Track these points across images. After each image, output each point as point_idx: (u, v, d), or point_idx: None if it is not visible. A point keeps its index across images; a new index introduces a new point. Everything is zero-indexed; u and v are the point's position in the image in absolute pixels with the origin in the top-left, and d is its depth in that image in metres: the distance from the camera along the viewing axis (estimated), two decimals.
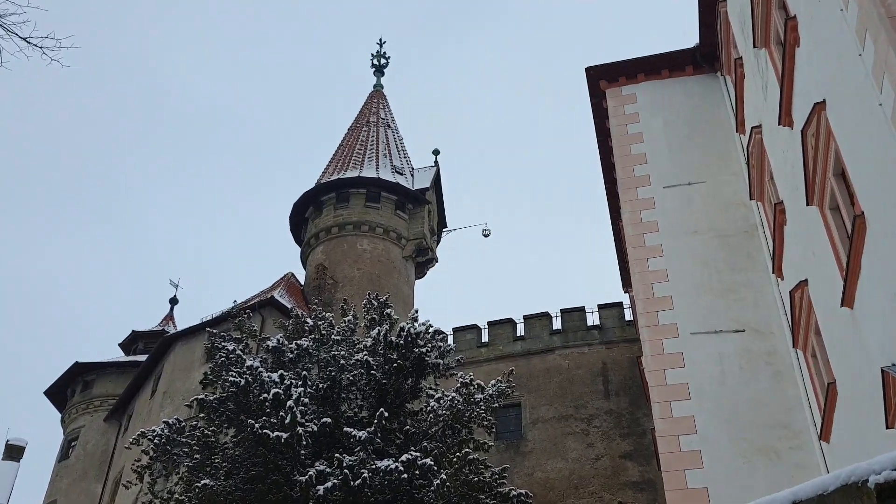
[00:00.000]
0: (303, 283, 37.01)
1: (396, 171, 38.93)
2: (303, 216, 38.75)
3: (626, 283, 24.07)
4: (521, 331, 31.52)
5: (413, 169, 40.69)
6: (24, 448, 18.12)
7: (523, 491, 18.31)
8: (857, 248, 9.35)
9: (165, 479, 18.13)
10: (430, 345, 18.28)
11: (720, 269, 16.42)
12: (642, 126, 19.27)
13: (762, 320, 15.51)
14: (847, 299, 10.05)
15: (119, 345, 41.47)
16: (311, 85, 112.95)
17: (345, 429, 16.58)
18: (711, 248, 16.75)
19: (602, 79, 20.50)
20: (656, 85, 19.88)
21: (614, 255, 25.02)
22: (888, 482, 2.38)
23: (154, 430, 17.77)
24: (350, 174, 38.06)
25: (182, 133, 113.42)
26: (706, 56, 19.18)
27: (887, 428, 8.76)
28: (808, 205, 11.26)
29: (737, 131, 17.37)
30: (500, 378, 19.49)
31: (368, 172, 38.14)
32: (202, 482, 15.87)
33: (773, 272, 15.27)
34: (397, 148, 41.69)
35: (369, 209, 37.13)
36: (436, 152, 41.80)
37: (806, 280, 12.48)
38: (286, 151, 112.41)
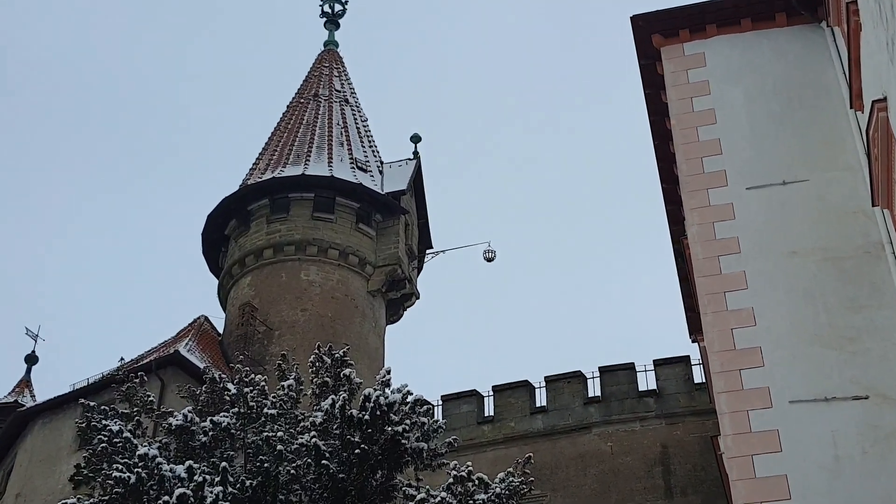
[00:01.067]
0: (221, 330, 36.93)
1: (359, 167, 39.05)
2: (221, 233, 38.74)
3: (695, 329, 24.08)
4: (541, 399, 31.53)
5: (383, 164, 40.83)
6: None
7: None
8: None
9: None
10: (408, 421, 18.19)
11: (831, 307, 16.47)
12: (714, 100, 19.40)
13: (894, 382, 15.55)
14: None
15: None
16: (230, 39, 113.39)
17: None
18: (817, 276, 16.81)
19: (655, 32, 20.66)
20: (734, 41, 20.07)
21: (676, 289, 25.07)
22: None
23: None
24: (290, 172, 38.14)
25: (32, 108, 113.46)
26: None
27: None
28: None
29: (851, 107, 17.50)
30: (511, 469, 19.41)
31: (317, 169, 38.24)
32: None
33: None
34: (360, 133, 41.84)
35: (319, 222, 37.20)
36: (416, 139, 41.98)
37: None
38: (195, 138, 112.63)
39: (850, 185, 17.55)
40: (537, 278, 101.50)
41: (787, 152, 18.33)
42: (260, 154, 41.20)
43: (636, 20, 20.84)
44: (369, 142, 41.86)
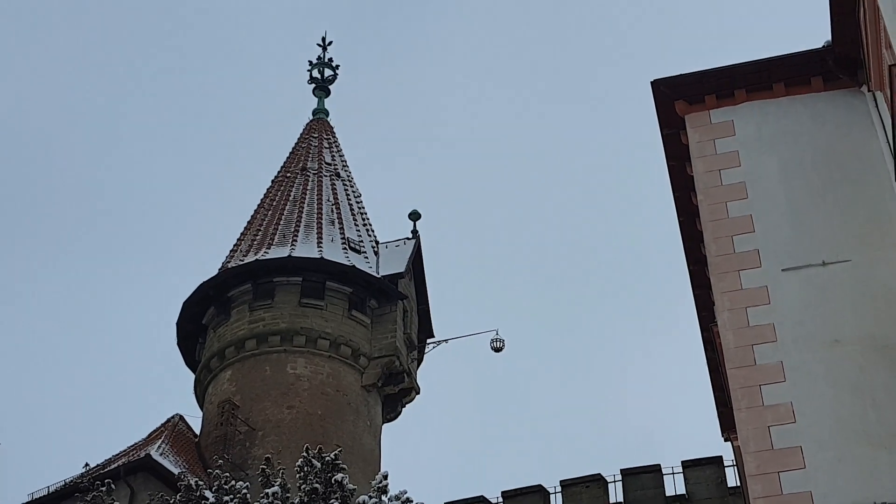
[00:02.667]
0: (198, 431, 36.77)
1: (351, 248, 39.20)
2: (199, 323, 38.77)
3: (727, 427, 23.96)
4: None
5: (378, 244, 40.98)
6: None
7: None
8: None
9: None
10: None
11: (880, 403, 16.38)
12: (745, 173, 19.49)
13: None
14: None
15: None
16: (209, 106, 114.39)
17: None
18: (864, 367, 16.74)
19: (679, 98, 20.83)
20: (766, 107, 20.22)
21: (706, 382, 25.00)
22: None
23: None
24: (276, 253, 38.29)
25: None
26: (842, 60, 19.59)
27: None
28: None
29: None
30: None
31: (305, 251, 38.37)
32: None
33: None
34: (352, 210, 42.07)
35: (307, 309, 37.25)
36: (414, 216, 42.18)
37: None
38: (170, 216, 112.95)
39: None
40: (551, 370, 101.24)
41: (826, 230, 18.34)
42: (242, 234, 41.35)
43: (657, 85, 21.01)
44: (363, 220, 42.05)
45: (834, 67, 19.76)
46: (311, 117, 46.62)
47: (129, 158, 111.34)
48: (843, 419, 16.45)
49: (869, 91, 19.48)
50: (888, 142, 18.23)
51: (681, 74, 20.97)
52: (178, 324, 39.19)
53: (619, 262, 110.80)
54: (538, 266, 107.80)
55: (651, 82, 21.08)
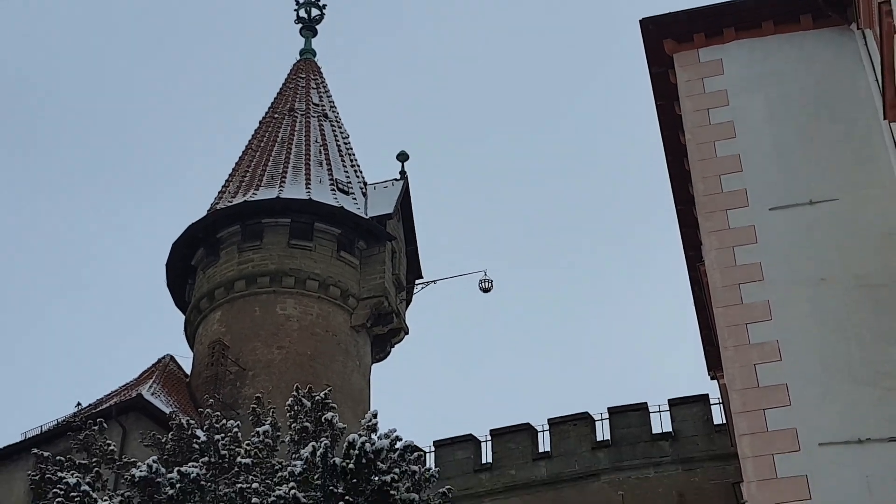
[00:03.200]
0: (189, 371, 36.86)
1: (340, 189, 39.10)
2: (188, 264, 38.73)
3: (714, 365, 24.10)
4: (545, 444, 31.53)
5: (366, 185, 40.89)
6: None
7: None
8: None
9: None
10: (397, 469, 18.20)
11: (864, 341, 16.47)
12: (733, 112, 19.45)
13: None
14: None
15: None
16: (196, 47, 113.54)
17: None
18: (849, 305, 16.82)
19: (667, 37, 20.74)
20: (754, 46, 20.14)
21: (692, 321, 25.12)
22: None
23: None
24: (264, 195, 38.19)
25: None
26: None
27: None
28: None
29: (885, 118, 17.57)
30: None
31: (294, 192, 38.26)
32: None
33: None
34: (340, 151, 41.93)
35: (296, 251, 37.21)
36: (402, 157, 42.05)
37: None
38: (158, 159, 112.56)
39: (884, 205, 17.55)
40: (539, 310, 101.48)
41: (814, 169, 18.33)
42: (230, 175, 41.19)
43: (646, 24, 20.90)
44: (351, 161, 41.91)
45: (823, 5, 19.66)
46: (299, 58, 46.24)
47: (118, 100, 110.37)
48: (828, 357, 16.54)
49: (858, 29, 19.40)
50: (876, 80, 18.18)
51: (669, 13, 20.87)
52: (167, 265, 39.10)
53: (606, 203, 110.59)
54: (526, 207, 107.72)
55: (640, 21, 20.98)
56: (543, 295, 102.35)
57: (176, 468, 19.04)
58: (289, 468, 18.87)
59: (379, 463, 17.82)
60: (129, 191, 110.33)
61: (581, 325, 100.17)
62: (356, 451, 17.71)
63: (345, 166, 40.93)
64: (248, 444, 19.79)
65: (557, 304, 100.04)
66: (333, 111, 44.15)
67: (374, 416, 20.08)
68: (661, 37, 20.77)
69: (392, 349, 40.11)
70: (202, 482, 18.75)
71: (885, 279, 16.95)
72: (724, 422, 28.01)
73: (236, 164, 41.63)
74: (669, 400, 31.07)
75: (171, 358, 37.12)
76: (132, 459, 20.99)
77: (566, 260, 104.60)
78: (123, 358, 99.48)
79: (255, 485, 18.41)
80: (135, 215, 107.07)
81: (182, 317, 39.22)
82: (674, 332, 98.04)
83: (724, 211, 18.45)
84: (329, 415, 19.91)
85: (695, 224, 20.64)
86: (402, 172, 41.42)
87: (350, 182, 40.02)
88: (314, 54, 46.49)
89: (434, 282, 41.71)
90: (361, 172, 41.61)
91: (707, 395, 30.50)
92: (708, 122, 19.60)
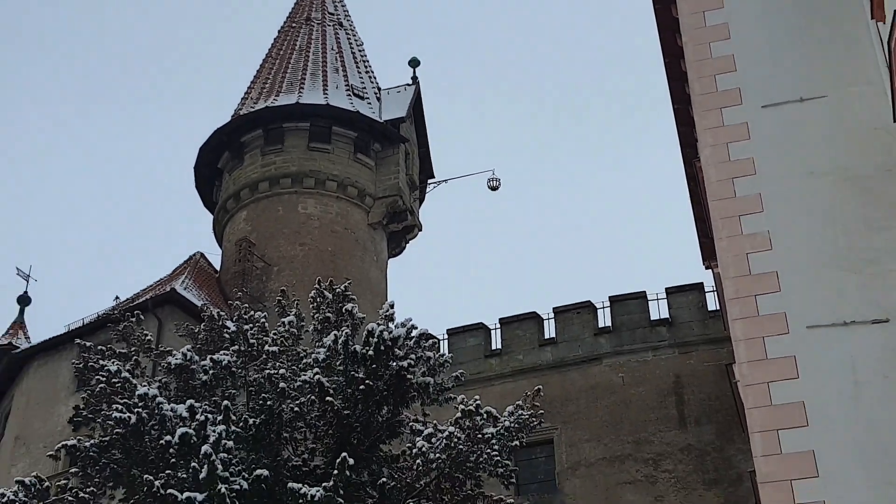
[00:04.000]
0: (218, 267, 37.02)
1: (355, 94, 38.87)
2: (215, 167, 38.69)
3: (709, 255, 24.07)
4: (550, 331, 31.70)
5: (380, 90, 40.61)
6: None
7: None
8: None
9: None
10: (413, 355, 18.31)
11: (850, 229, 16.42)
12: (728, 14, 19.12)
13: None
14: None
15: None
16: None
17: (289, 484, 16.65)
18: (836, 196, 16.73)
19: None
20: None
21: (689, 214, 25.05)
22: None
23: (3, 496, 17.82)
24: (284, 101, 37.98)
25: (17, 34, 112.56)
26: None
27: None
28: None
29: (872, 17, 17.29)
30: (521, 402, 19.56)
31: (312, 97, 38.04)
32: None
33: None
34: (355, 58, 41.57)
35: (315, 153, 37.09)
36: (414, 63, 41.69)
37: None
38: (185, 67, 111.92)
39: (870, 101, 17.36)
40: (544, 206, 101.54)
41: (804, 68, 18.10)
42: (252, 83, 40.97)
43: None
44: (366, 67, 41.57)
45: None
46: None
47: (149, 14, 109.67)
48: (816, 245, 16.50)
49: None
50: None
51: None
52: (195, 168, 39.09)
53: (607, 104, 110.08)
54: (531, 109, 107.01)
55: None
56: (548, 191, 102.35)
57: (209, 356, 19.20)
58: (313, 355, 19.01)
59: (396, 350, 17.91)
60: (160, 100, 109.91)
61: (584, 220, 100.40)
62: (375, 339, 17.78)
63: (359, 72, 40.62)
64: (274, 334, 19.91)
65: (562, 200, 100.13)
66: (348, 19, 43.66)
67: (391, 306, 20.14)
68: None
69: (407, 245, 40.22)
70: (233, 369, 18.92)
71: (870, 171, 16.84)
72: (718, 308, 28.10)
73: (257, 71, 41.34)
74: (667, 288, 31.16)
75: (202, 255, 37.30)
76: (168, 348, 21.17)
77: (571, 159, 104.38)
78: (157, 256, 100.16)
79: (281, 371, 18.55)
80: (165, 123, 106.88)
81: (210, 217, 39.32)
82: (670, 225, 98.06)
83: (719, 109, 18.27)
84: (349, 306, 19.99)
85: (691, 122, 20.47)
86: (414, 77, 41.13)
87: (365, 87, 39.74)
88: None
89: (445, 181, 41.71)
90: (375, 78, 41.28)
91: (702, 283, 30.58)
92: (703, 23, 19.28)
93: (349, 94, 38.56)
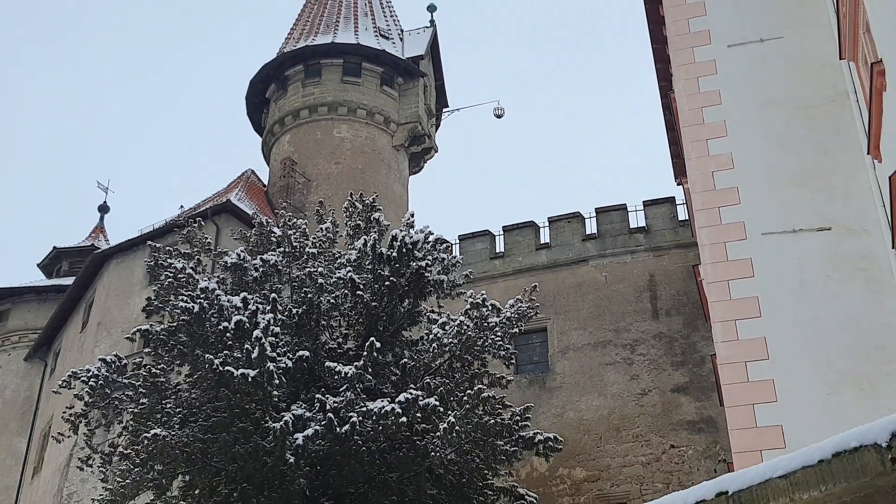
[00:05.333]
0: (266, 182, 37.05)
1: (381, 35, 38.45)
2: (263, 97, 38.53)
3: (680, 173, 23.97)
4: (545, 237, 31.65)
5: (403, 31, 40.18)
6: None
7: (551, 435, 18.71)
8: None
9: (106, 430, 18.57)
10: (430, 257, 18.36)
11: (800, 151, 16.33)
12: None
13: (853, 215, 15.52)
14: None
15: (38, 266, 41.88)
16: None
17: (327, 364, 16.82)
18: (790, 123, 16.61)
19: None
20: None
21: (664, 138, 24.89)
22: None
23: (88, 370, 18.01)
24: (321, 40, 37.65)
25: None
26: None
27: None
28: None
29: None
30: (519, 297, 19.66)
31: (345, 37, 37.71)
32: (152, 432, 16.19)
33: (867, 152, 15.16)
34: (381, 3, 41.07)
35: (348, 85, 36.86)
36: (431, 8, 41.17)
37: None
38: (238, 9, 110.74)
39: (820, 41, 17.14)
40: (542, 131, 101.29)
41: (765, 12, 17.83)
42: (294, 24, 40.65)
43: None
44: (390, 12, 41.10)
45: None
46: None
47: None
48: (772, 165, 16.44)
49: None
50: None
51: None
52: (246, 98, 38.98)
53: (598, 44, 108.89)
54: (532, 48, 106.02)
55: None
56: (546, 119, 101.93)
57: (258, 256, 19.29)
58: (346, 256, 19.10)
59: (415, 252, 17.95)
60: (217, 38, 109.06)
61: (576, 143, 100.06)
62: (398, 243, 17.83)
63: (385, 16, 40.18)
64: (313, 238, 19.97)
65: (557, 126, 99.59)
66: None
67: (412, 216, 20.15)
68: None
69: (425, 164, 40.11)
70: (279, 267, 19.02)
71: (818, 101, 16.70)
72: (687, 218, 28.05)
73: (299, 14, 40.99)
74: (644, 201, 31.00)
75: (252, 172, 37.31)
76: (224, 250, 21.26)
77: (566, 91, 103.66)
78: (215, 172, 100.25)
79: (320, 269, 18.65)
80: (223, 59, 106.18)
81: (259, 139, 39.24)
82: (648, 147, 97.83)
83: (691, 48, 18.07)
84: (376, 215, 20.00)
85: (667, 60, 20.26)
86: (432, 21, 40.70)
87: (389, 29, 39.31)
88: None
89: (458, 110, 41.57)
90: (399, 21, 40.81)
91: (674, 197, 30.42)
92: None
93: (376, 35, 38.20)
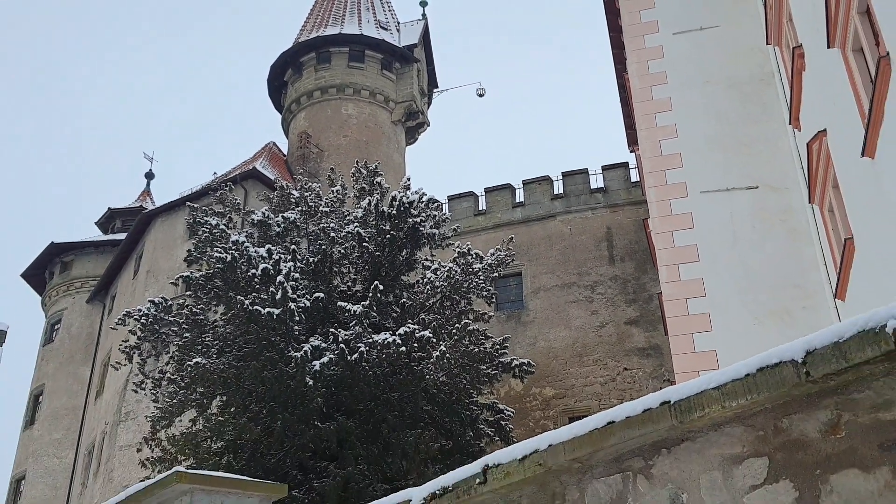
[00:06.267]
0: (286, 152, 36.80)
1: (381, 27, 37.98)
2: (282, 80, 38.14)
3: (633, 142, 23.91)
4: (520, 197, 31.61)
5: (399, 23, 39.69)
6: (6, 332, 18.47)
7: (525, 360, 18.80)
8: (880, 93, 9.22)
9: (155, 359, 18.58)
10: (424, 214, 18.25)
11: (733, 122, 16.27)
12: None
13: (777, 175, 15.52)
14: (868, 149, 10.00)
15: (96, 224, 41.70)
16: None
17: (338, 303, 16.81)
18: (724, 99, 16.53)
19: None
20: None
21: (619, 112, 24.79)
22: None
23: (140, 310, 18.00)
24: (331, 31, 37.20)
25: None
26: None
27: None
28: (829, 47, 11.02)
29: None
30: (499, 247, 19.63)
31: (350, 28, 37.25)
32: (194, 360, 16.23)
33: (789, 123, 15.13)
34: (381, 0, 40.52)
35: (353, 70, 36.47)
36: (423, 4, 40.66)
37: (825, 130, 12.39)
38: (261, 5, 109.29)
39: (751, 29, 17.00)
40: (517, 108, 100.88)
41: (704, 4, 17.63)
42: (307, 18, 40.17)
43: None
44: (388, 6, 40.63)
45: None
46: None
47: None
48: (709, 135, 16.39)
49: None
50: None
51: None
52: (268, 81, 38.65)
53: (563, 34, 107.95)
54: (509, 37, 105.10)
55: None
56: (522, 97, 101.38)
57: (280, 214, 19.20)
58: (353, 214, 18.98)
59: (412, 210, 17.86)
60: (245, 31, 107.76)
61: (545, 116, 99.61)
62: (397, 203, 17.74)
63: (384, 10, 39.72)
64: (326, 199, 19.87)
65: (530, 102, 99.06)
66: None
67: (408, 180, 20.03)
68: None
69: (419, 136, 39.88)
70: (297, 223, 18.92)
71: (749, 80, 16.62)
72: (639, 179, 28.02)
73: (311, 9, 40.48)
74: (602, 166, 30.93)
75: (274, 144, 37.07)
76: (251, 209, 21.16)
77: (537, 73, 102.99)
78: (242, 144, 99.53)
79: (332, 225, 18.57)
80: (249, 48, 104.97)
81: (279, 116, 38.92)
82: (605, 120, 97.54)
83: (642, 36, 17.89)
84: (378, 179, 19.88)
85: (622, 46, 20.08)
86: (424, 14, 40.26)
87: (388, 21, 38.87)
88: None
89: (446, 90, 41.36)
90: (395, 14, 40.34)
91: (627, 162, 30.36)
92: None
93: (377, 27, 37.78)
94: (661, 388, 3.33)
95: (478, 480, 3.81)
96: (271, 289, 15.90)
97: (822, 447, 2.74)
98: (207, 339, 17.49)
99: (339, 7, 38.60)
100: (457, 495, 3.92)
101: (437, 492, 4.02)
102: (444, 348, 16.13)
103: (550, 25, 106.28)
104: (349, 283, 18.70)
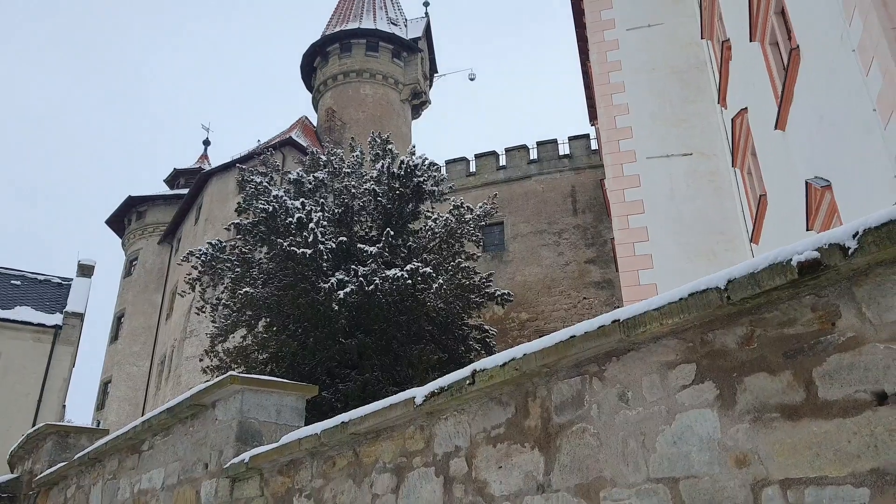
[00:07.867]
0: (315, 125, 36.42)
1: (392, 22, 37.30)
2: (312, 65, 37.55)
3: (593, 117, 23.70)
4: (503, 161, 31.43)
5: (406, 20, 38.98)
6: (94, 266, 18.54)
7: (506, 291, 18.91)
8: (791, 78, 9.11)
9: (213, 289, 18.65)
10: (426, 175, 18.16)
11: (673, 102, 16.09)
12: None
13: (707, 145, 15.42)
14: (780, 123, 9.92)
15: (164, 181, 41.50)
16: None
17: (358, 245, 16.84)
18: (667, 83, 16.32)
19: None
20: None
21: (582, 93, 24.47)
22: (808, 260, 2.44)
23: (200, 250, 18.02)
24: (351, 26, 36.53)
25: None
26: None
27: (807, 229, 8.95)
28: (751, 41, 10.84)
29: None
30: (486, 201, 19.58)
31: (367, 24, 36.59)
32: (244, 290, 16.32)
33: (718, 102, 14.96)
34: (391, 0, 39.76)
35: (369, 58, 35.90)
36: (426, 3, 39.83)
37: (746, 108, 12.27)
38: (294, 3, 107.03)
39: (689, 26, 16.72)
40: (502, 88, 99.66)
41: (651, 5, 17.30)
42: (333, 13, 39.42)
43: None
44: (398, 5, 39.85)
45: None
46: None
47: None
48: (655, 112, 16.21)
49: None
50: None
51: None
52: (301, 67, 38.05)
53: (539, 28, 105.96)
54: (496, 30, 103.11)
55: None
56: (505, 78, 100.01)
57: (311, 174, 19.07)
58: (370, 175, 18.90)
59: (416, 172, 17.77)
60: (281, 24, 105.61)
61: (524, 95, 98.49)
62: (404, 165, 17.64)
63: (394, 8, 38.97)
64: (348, 163, 19.73)
65: (512, 83, 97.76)
66: None
67: (414, 147, 19.85)
68: None
69: (423, 112, 39.43)
70: (325, 182, 18.83)
71: (686, 68, 16.39)
72: (597, 148, 27.82)
73: (336, 7, 39.66)
74: (568, 136, 30.70)
75: (306, 117, 36.62)
76: (288, 171, 21.02)
77: (519, 62, 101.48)
78: (280, 118, 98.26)
79: (352, 183, 18.48)
80: (286, 38, 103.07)
81: (310, 95, 38.39)
82: (572, 98, 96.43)
83: (602, 31, 17.57)
84: (390, 147, 19.70)
85: (586, 39, 19.71)
86: (426, 12, 39.47)
87: (397, 18, 38.16)
88: None
89: (444, 75, 40.90)
90: (403, 12, 39.57)
91: (588, 133, 30.14)
92: None
93: (388, 22, 37.12)
94: None
95: (468, 382, 3.86)
96: (304, 234, 15.90)
97: (739, 355, 2.77)
98: (254, 273, 17.53)
99: (358, 6, 37.92)
100: (451, 393, 3.97)
101: (436, 390, 4.07)
102: (442, 281, 16.20)
103: (529, 22, 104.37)
104: (366, 230, 18.68)
